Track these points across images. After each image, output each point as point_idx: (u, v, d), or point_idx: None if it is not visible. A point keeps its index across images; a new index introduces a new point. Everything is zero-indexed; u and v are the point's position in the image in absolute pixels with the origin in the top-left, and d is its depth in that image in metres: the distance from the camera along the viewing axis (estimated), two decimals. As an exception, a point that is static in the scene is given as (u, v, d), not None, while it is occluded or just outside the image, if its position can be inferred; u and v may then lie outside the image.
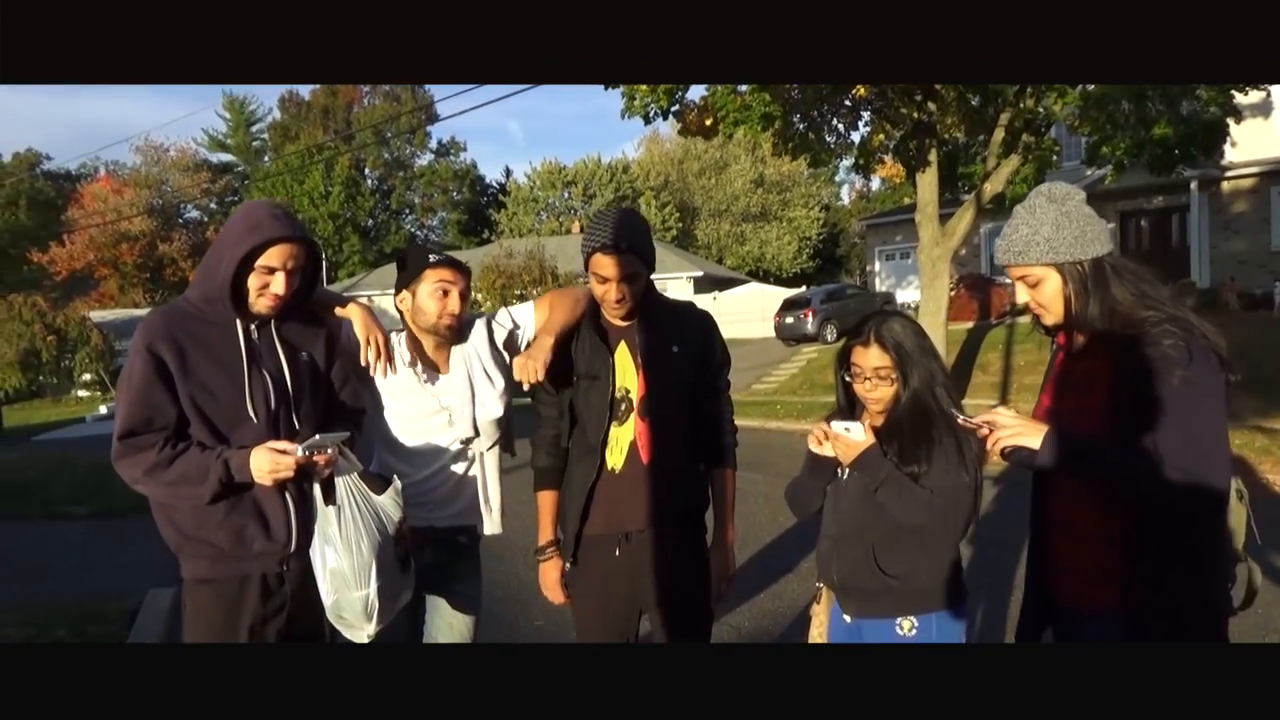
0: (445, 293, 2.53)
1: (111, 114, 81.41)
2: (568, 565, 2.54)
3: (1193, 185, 20.12)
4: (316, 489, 2.21)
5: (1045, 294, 1.97)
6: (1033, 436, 1.86)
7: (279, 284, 2.21)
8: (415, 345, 2.61)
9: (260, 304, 2.23)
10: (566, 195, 46.52)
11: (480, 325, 2.68)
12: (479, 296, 27.99)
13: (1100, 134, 12.81)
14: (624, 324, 2.54)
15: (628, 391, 2.50)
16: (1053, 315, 1.99)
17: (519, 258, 29.27)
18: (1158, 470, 1.76)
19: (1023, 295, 2.01)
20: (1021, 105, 12.71)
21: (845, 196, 55.03)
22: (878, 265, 29.91)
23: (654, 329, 2.53)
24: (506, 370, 2.65)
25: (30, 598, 5.58)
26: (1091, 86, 12.35)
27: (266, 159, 51.00)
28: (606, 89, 12.53)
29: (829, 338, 22.17)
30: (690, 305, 2.71)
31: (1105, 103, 12.33)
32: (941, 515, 2.14)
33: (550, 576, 2.57)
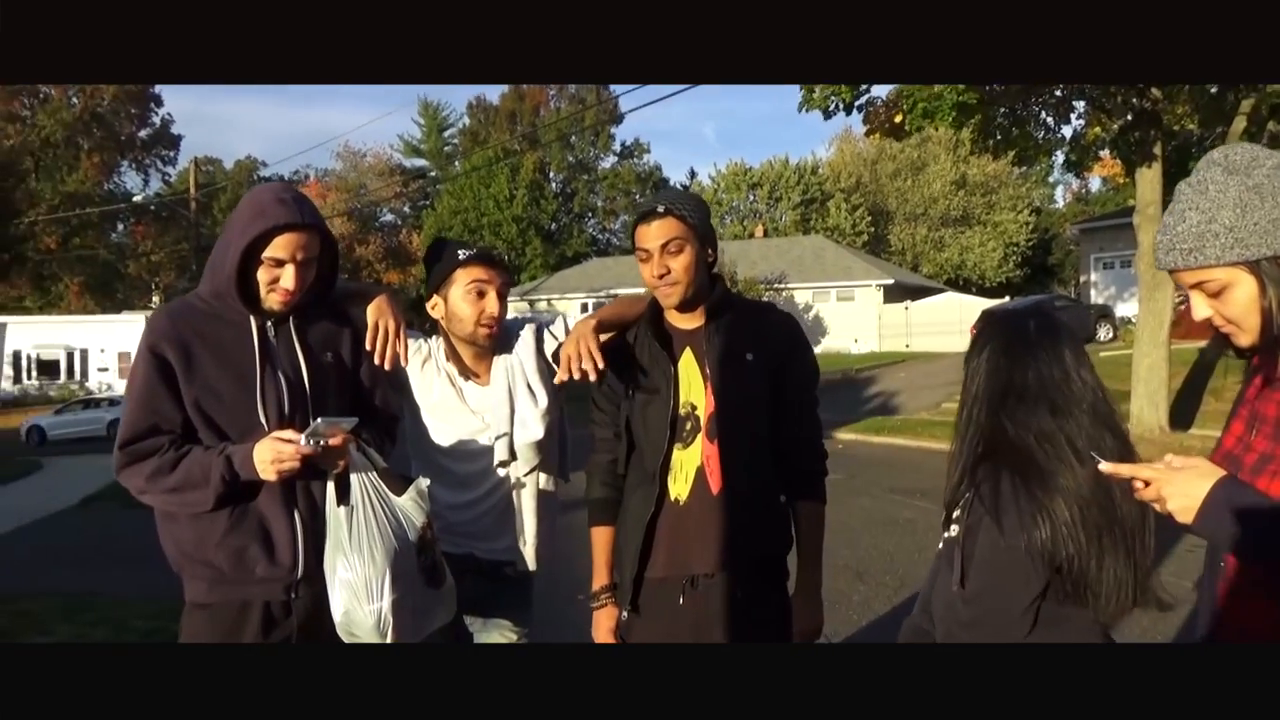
0: (481, 294, 2.29)
1: (319, 121, 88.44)
2: (624, 614, 2.23)
3: None
4: (330, 491, 2.03)
5: (1234, 305, 1.45)
6: (1188, 497, 1.39)
7: (289, 278, 2.04)
8: (454, 355, 2.38)
9: (272, 300, 2.07)
10: (751, 198, 46.17)
11: (529, 332, 2.43)
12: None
13: (1372, 121, 11.18)
14: (690, 328, 2.23)
15: (693, 408, 2.18)
16: (1248, 334, 1.47)
17: (697, 262, 29.21)
18: None
19: (1201, 309, 1.49)
20: (1269, 89, 11.24)
21: (1060, 198, 51.61)
22: (1094, 274, 27.74)
23: (725, 333, 2.20)
24: (553, 385, 2.39)
25: (156, 588, 5.84)
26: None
27: (456, 163, 53.71)
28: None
29: (1032, 354, 20.64)
30: (770, 306, 2.37)
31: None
32: (980, 621, 1.64)
33: (603, 626, 2.27)
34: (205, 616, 2.07)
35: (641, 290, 2.30)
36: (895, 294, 32.51)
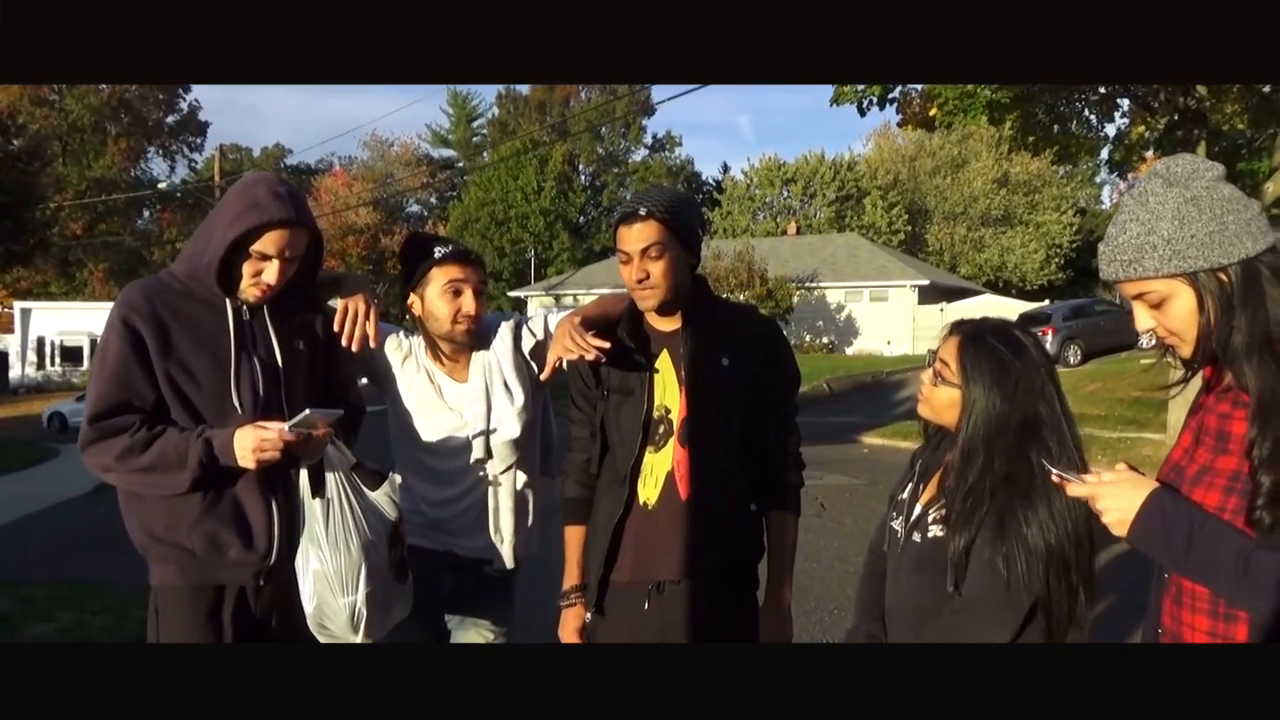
0: (457, 292, 2.34)
1: (347, 109, 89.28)
2: (589, 615, 2.27)
3: None
4: (304, 481, 2.06)
5: (1174, 317, 1.46)
6: (1122, 510, 1.42)
7: (272, 273, 2.06)
8: (433, 351, 2.43)
9: (251, 292, 2.09)
10: (785, 194, 45.99)
11: (506, 329, 2.48)
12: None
13: None
14: (668, 330, 2.25)
15: (667, 411, 2.20)
16: (1188, 345, 1.48)
17: (727, 259, 29.13)
18: None
19: (1144, 320, 1.50)
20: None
21: (1107, 198, 50.87)
22: (1139, 279, 27.31)
23: (703, 337, 2.22)
24: (530, 382, 2.45)
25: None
26: None
27: (485, 154, 54.02)
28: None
29: (1071, 360, 20.42)
30: (752, 310, 2.40)
31: None
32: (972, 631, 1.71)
33: (569, 626, 2.30)
34: (183, 600, 2.07)
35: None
36: (931, 295, 32.24)
